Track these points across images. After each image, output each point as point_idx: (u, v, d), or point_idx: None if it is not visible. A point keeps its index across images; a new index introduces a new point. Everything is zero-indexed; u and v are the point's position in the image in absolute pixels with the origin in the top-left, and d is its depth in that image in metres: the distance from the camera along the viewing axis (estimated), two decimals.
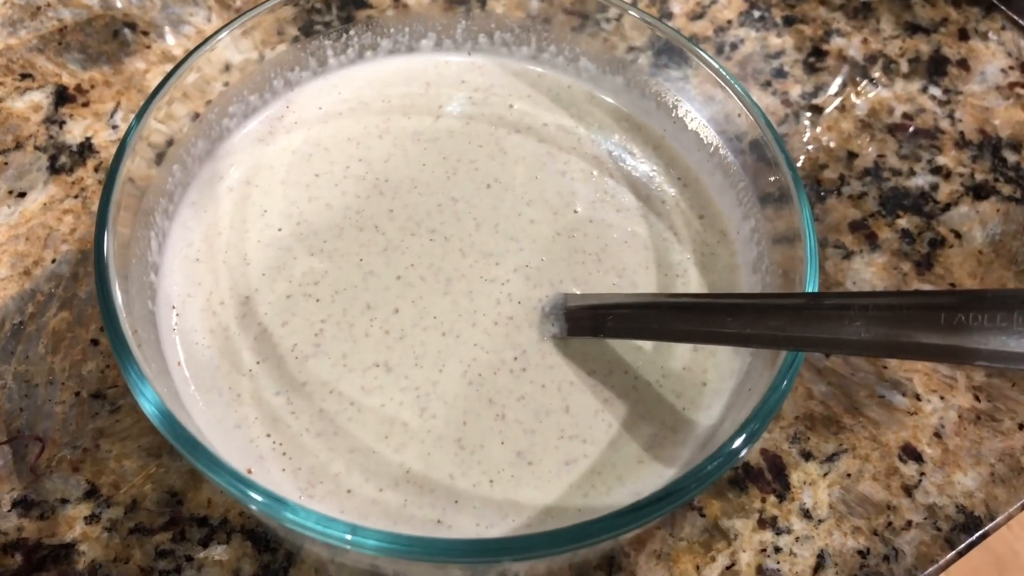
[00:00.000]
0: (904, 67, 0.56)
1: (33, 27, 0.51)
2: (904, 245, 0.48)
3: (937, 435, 0.42)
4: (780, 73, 0.55)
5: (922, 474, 0.41)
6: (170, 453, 0.38)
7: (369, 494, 0.32)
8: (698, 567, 0.37)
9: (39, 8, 0.52)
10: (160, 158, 0.37)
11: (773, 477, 0.40)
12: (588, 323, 0.36)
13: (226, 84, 0.40)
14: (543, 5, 0.45)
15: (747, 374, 0.35)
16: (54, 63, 0.49)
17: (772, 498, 0.39)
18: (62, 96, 0.48)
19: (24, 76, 0.49)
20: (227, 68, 0.40)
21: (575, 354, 0.36)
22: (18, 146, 0.46)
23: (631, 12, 0.42)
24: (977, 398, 0.43)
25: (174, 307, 0.36)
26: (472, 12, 0.45)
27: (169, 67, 0.50)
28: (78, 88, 0.49)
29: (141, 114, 0.35)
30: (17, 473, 0.37)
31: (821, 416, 0.42)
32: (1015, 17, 0.59)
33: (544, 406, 0.35)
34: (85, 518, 0.36)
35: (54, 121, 0.47)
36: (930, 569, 0.38)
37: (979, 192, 0.51)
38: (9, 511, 0.36)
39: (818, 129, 0.53)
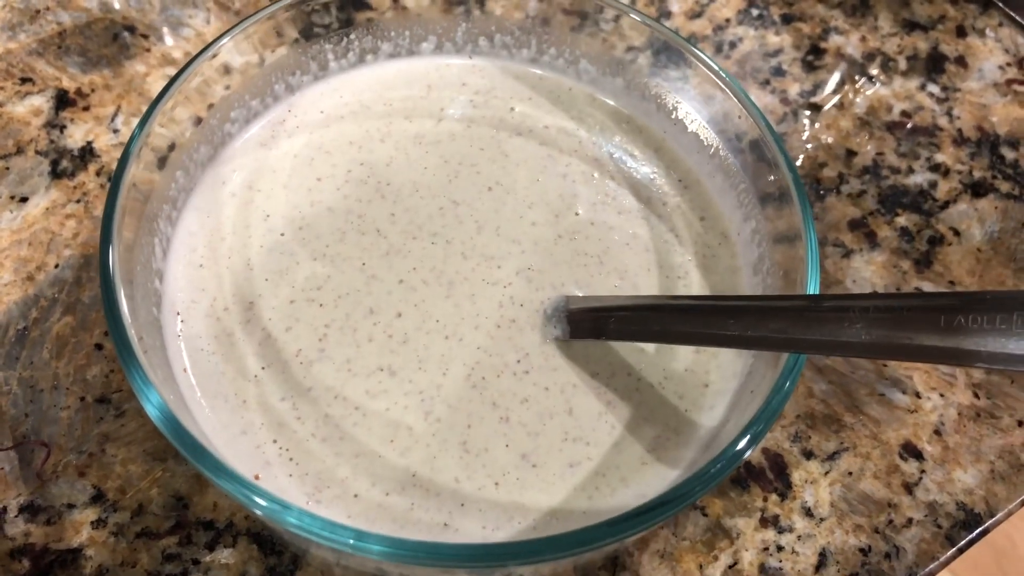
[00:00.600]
0: (902, 64, 0.57)
1: (32, 31, 0.51)
2: (903, 243, 0.48)
3: (937, 432, 0.42)
4: (779, 71, 0.55)
5: (922, 471, 0.41)
6: (175, 457, 0.38)
7: (376, 498, 0.32)
8: (701, 566, 0.38)
9: (38, 12, 0.52)
10: (162, 162, 0.37)
11: (775, 476, 0.40)
12: (590, 325, 0.36)
13: (227, 87, 0.40)
14: (542, 5, 0.45)
15: (749, 375, 0.36)
16: (54, 67, 0.49)
17: (774, 497, 0.40)
18: (63, 100, 0.48)
19: (24, 80, 0.49)
20: (228, 71, 0.40)
21: (578, 356, 0.37)
22: (19, 151, 0.46)
23: (631, 15, 0.42)
24: (976, 395, 0.43)
25: (179, 313, 0.36)
26: (472, 14, 0.45)
27: (169, 70, 0.50)
28: (78, 92, 0.49)
29: (144, 122, 0.35)
30: (23, 478, 0.37)
31: (822, 415, 0.42)
32: (1012, 14, 0.59)
33: (548, 408, 0.35)
34: (92, 523, 0.36)
35: (55, 125, 0.47)
36: (931, 566, 0.39)
37: (977, 189, 0.51)
38: (16, 516, 0.36)
39: (817, 127, 0.53)
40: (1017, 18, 0.59)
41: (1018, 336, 0.24)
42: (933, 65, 0.57)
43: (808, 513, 0.39)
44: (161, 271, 0.37)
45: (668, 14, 0.57)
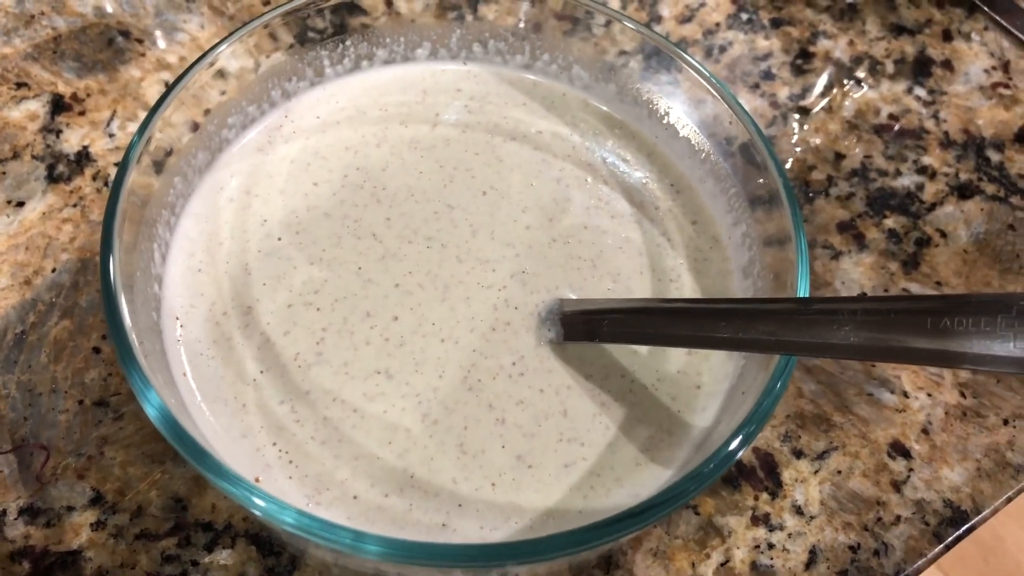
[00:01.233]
0: (890, 68, 0.57)
1: (28, 36, 0.51)
2: (891, 245, 0.49)
3: (925, 431, 0.43)
4: (768, 75, 0.56)
5: (910, 470, 0.42)
6: (174, 459, 0.38)
7: (375, 499, 0.33)
8: (694, 564, 0.38)
9: (33, 17, 0.52)
10: (159, 167, 0.37)
11: (765, 475, 0.41)
12: (584, 328, 0.37)
13: (223, 93, 0.41)
14: (534, 10, 0.46)
15: (741, 377, 0.36)
16: (49, 72, 0.50)
17: (765, 496, 0.40)
18: (58, 105, 0.48)
19: (20, 85, 0.49)
20: (224, 77, 0.40)
21: (572, 358, 0.37)
22: (15, 155, 0.46)
23: (624, 22, 0.43)
24: (963, 394, 0.44)
25: (178, 318, 0.36)
26: (465, 20, 0.46)
27: (164, 74, 0.50)
28: (74, 96, 0.49)
29: (144, 128, 0.35)
30: (23, 481, 0.37)
31: (811, 414, 0.43)
32: (998, 18, 0.60)
33: (543, 410, 0.36)
34: (91, 525, 0.37)
35: (51, 130, 0.47)
36: (919, 562, 0.39)
37: (963, 192, 0.52)
38: (16, 519, 0.36)
39: (806, 130, 0.54)
40: (1002, 22, 0.60)
41: (1002, 338, 0.25)
42: (920, 69, 0.58)
43: (798, 511, 0.40)
44: (160, 276, 0.37)
45: (659, 18, 0.58)
